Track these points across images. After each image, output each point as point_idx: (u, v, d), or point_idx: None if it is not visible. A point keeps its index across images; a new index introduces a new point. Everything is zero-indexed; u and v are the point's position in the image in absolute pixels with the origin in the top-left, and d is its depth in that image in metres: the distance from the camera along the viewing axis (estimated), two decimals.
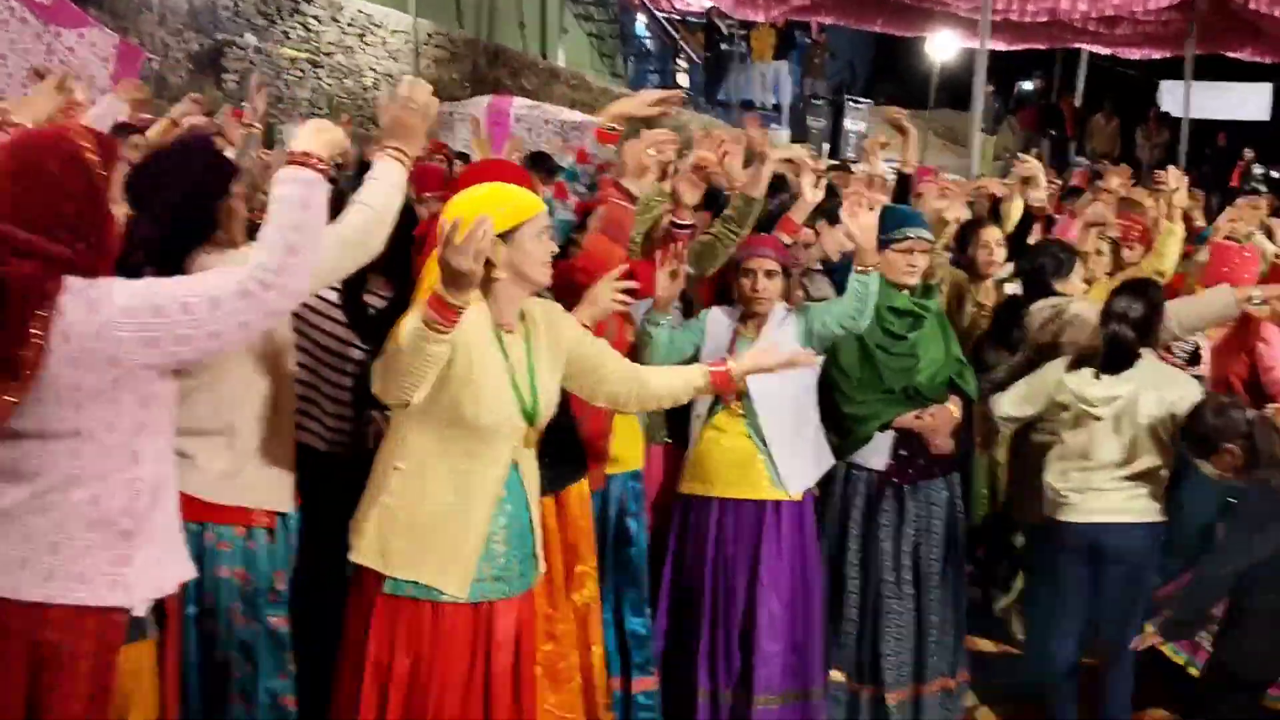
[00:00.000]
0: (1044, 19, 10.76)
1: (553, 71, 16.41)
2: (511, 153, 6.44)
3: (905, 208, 4.38)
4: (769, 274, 3.66)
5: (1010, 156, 18.03)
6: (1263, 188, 16.17)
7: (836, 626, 3.90)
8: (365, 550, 2.52)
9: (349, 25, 13.77)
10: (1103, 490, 3.66)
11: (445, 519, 2.51)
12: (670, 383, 2.89)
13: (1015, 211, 5.56)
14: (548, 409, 2.65)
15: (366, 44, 13.91)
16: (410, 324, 2.28)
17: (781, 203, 4.28)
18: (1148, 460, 3.66)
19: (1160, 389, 3.65)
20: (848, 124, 15.04)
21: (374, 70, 13.94)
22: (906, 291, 3.90)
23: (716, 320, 3.74)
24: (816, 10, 12.03)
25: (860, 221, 3.55)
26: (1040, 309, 4.19)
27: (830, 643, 3.86)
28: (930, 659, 3.90)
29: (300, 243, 2.08)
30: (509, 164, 3.48)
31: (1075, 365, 3.75)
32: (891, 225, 3.87)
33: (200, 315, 2.02)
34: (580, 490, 3.38)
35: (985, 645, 4.70)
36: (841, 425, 3.87)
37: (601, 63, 18.81)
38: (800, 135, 14.87)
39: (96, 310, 1.98)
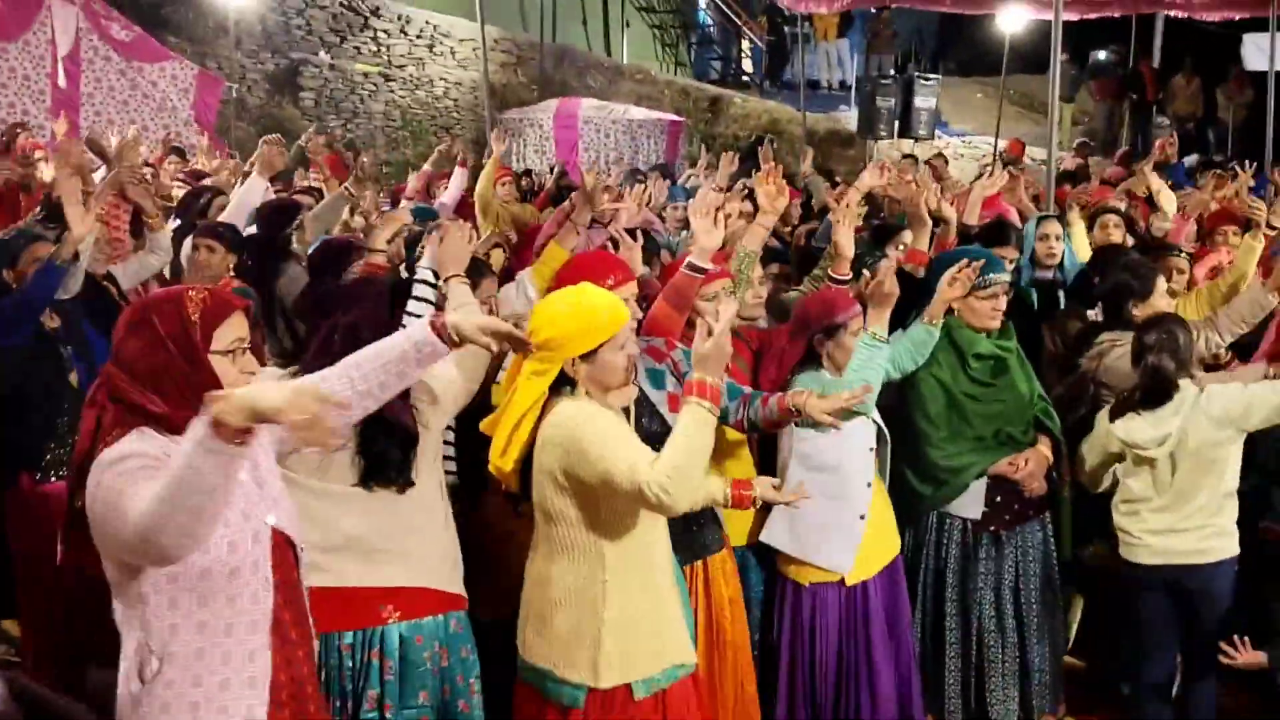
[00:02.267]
0: None
1: (617, 68, 16.46)
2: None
3: (984, 251, 4.22)
4: (854, 333, 3.67)
5: (1089, 121, 17.63)
6: None
7: (938, 677, 3.92)
8: (610, 671, 2.61)
9: (418, 37, 13.99)
10: (1176, 531, 3.62)
11: (657, 603, 2.70)
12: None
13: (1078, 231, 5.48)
14: None
15: (435, 54, 14.13)
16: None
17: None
18: (1213, 491, 3.61)
19: (1208, 412, 3.57)
20: (918, 101, 14.70)
21: (444, 80, 14.14)
22: (986, 335, 3.89)
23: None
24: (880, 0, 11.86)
25: (950, 287, 3.66)
26: (1101, 342, 4.13)
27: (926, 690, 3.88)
28: (1035, 700, 3.92)
29: (176, 502, 1.87)
30: (601, 259, 3.45)
31: (1118, 411, 3.69)
32: (980, 269, 3.81)
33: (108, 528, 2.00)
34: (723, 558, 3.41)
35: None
36: (933, 475, 3.86)
37: (665, 54, 18.80)
38: (869, 114, 14.65)
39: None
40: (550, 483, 2.60)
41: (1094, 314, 4.46)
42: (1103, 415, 3.78)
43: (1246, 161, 6.87)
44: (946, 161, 11.00)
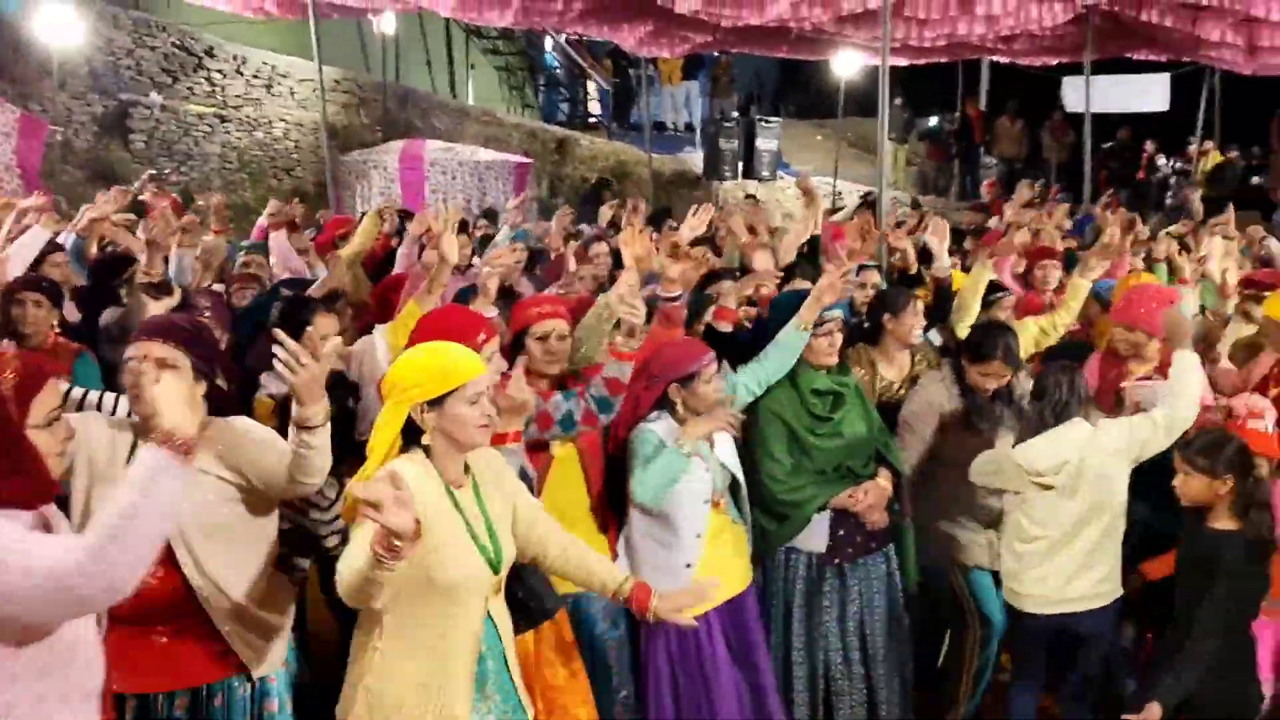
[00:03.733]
0: (943, 43, 10.97)
1: (464, 110, 16.36)
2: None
3: None
4: (708, 381, 3.65)
5: (922, 162, 18.39)
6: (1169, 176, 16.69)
7: (788, 710, 3.88)
8: None
9: (255, 77, 13.61)
10: (1068, 576, 3.67)
11: (431, 690, 2.51)
12: (591, 570, 2.88)
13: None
14: (510, 554, 2.67)
15: (274, 94, 13.76)
16: (356, 562, 2.24)
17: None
18: (1105, 529, 3.68)
19: (1103, 443, 3.68)
20: (760, 143, 15.17)
21: (284, 120, 13.77)
22: (825, 371, 3.95)
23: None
24: (720, 44, 12.11)
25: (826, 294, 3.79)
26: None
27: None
28: None
29: (127, 532, 1.85)
30: (459, 313, 3.42)
31: (1020, 439, 3.77)
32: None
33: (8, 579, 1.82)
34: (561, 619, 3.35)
35: None
36: (778, 511, 3.88)
37: (512, 96, 18.80)
38: (713, 156, 14.99)
39: None
40: None
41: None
42: (1008, 442, 3.85)
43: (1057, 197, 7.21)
44: (757, 202, 11.33)
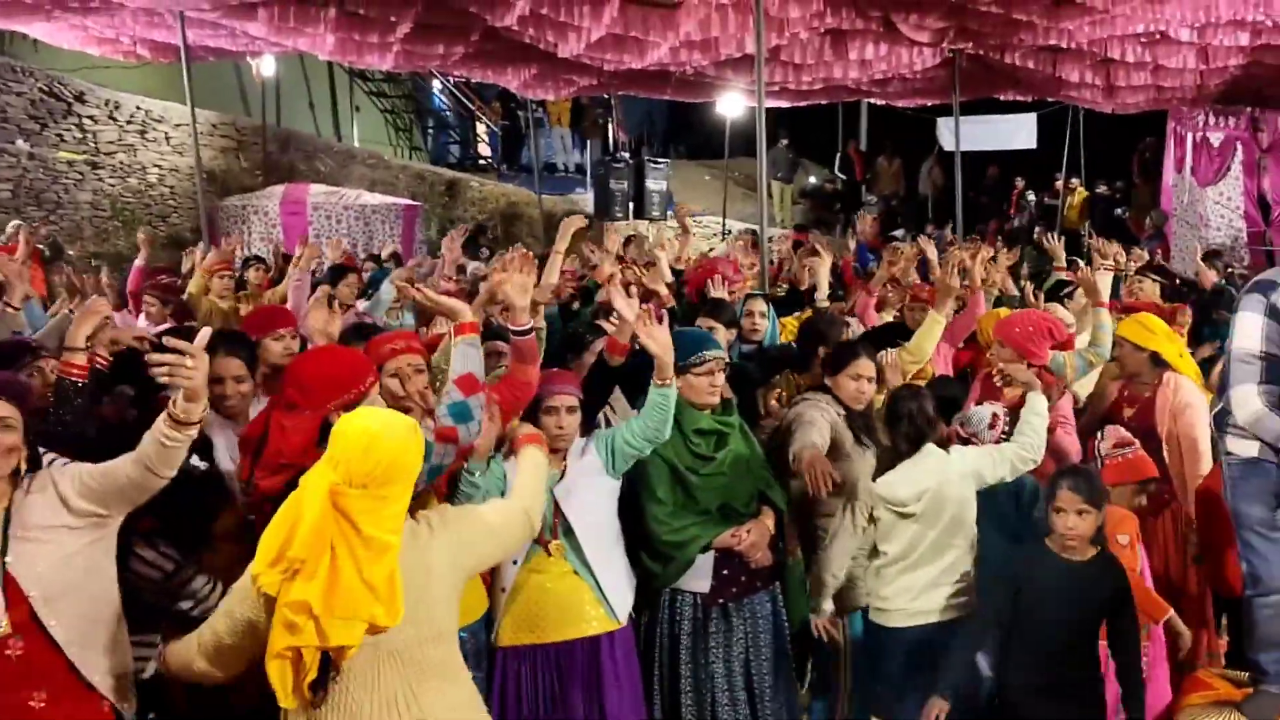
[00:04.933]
0: (820, 86, 11.25)
1: (349, 152, 16.17)
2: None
3: (698, 330, 4.45)
4: (570, 410, 3.68)
5: (807, 200, 18.80)
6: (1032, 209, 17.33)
7: None
8: None
9: (128, 122, 13.23)
10: (928, 590, 3.78)
11: None
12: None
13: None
14: None
15: (148, 140, 13.40)
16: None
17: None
18: (961, 549, 3.81)
19: (957, 469, 3.81)
20: (650, 184, 15.31)
21: (159, 167, 13.42)
22: (708, 411, 3.95)
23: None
24: (605, 87, 12.24)
25: (657, 338, 3.59)
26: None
27: None
28: None
29: None
30: (337, 355, 3.31)
31: (878, 473, 3.89)
32: (690, 349, 3.92)
33: None
34: None
35: None
36: (662, 552, 3.87)
37: (399, 138, 18.66)
38: (604, 196, 15.08)
39: None
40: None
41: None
42: (866, 476, 3.96)
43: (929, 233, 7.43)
44: (628, 241, 11.44)
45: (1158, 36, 9.73)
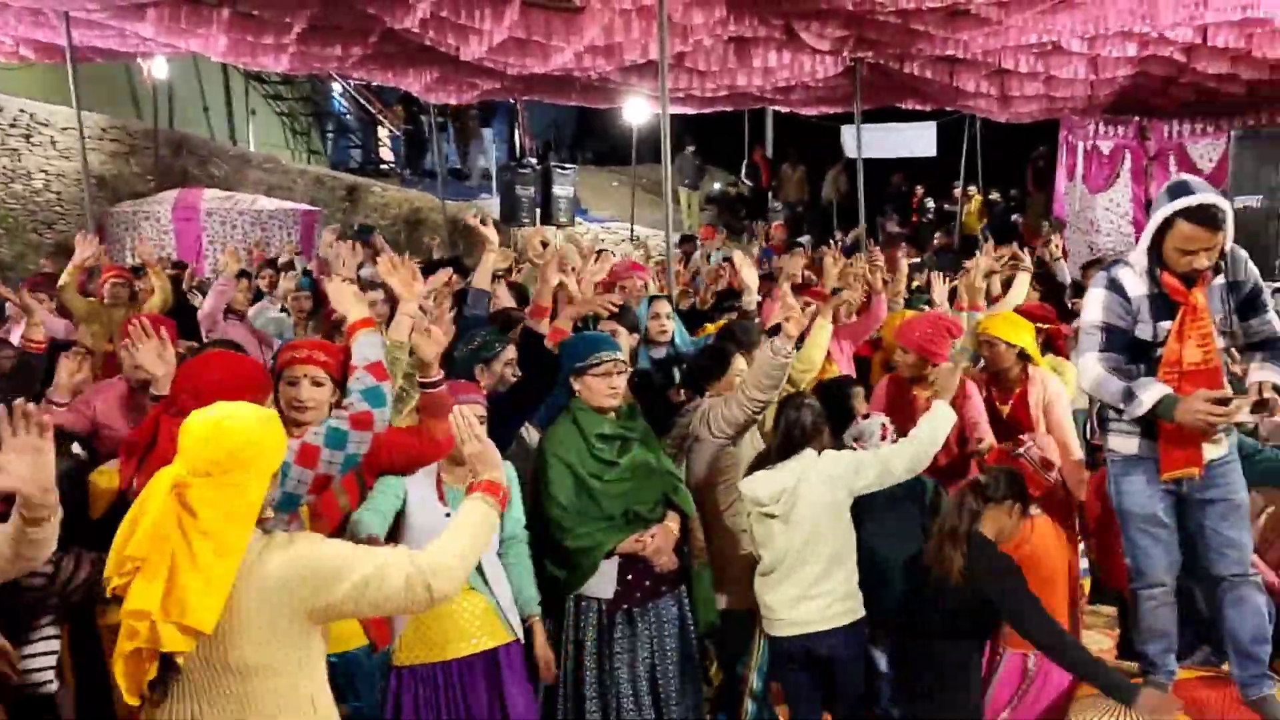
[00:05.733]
0: (725, 93, 11.31)
1: (244, 156, 15.76)
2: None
3: (596, 332, 4.43)
4: (480, 420, 3.59)
5: (714, 205, 18.92)
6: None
7: None
8: None
9: (11, 126, 12.72)
10: (804, 600, 3.79)
11: None
12: None
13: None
14: None
15: (33, 145, 12.89)
16: None
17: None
18: (830, 557, 3.80)
19: (822, 471, 3.82)
20: (557, 190, 15.24)
21: (45, 172, 12.92)
22: (612, 414, 3.92)
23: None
24: (509, 91, 12.12)
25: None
26: (686, 411, 4.38)
27: None
28: None
29: None
30: (231, 361, 3.19)
31: (750, 470, 3.91)
32: (585, 350, 3.93)
33: None
34: None
35: None
36: (566, 559, 3.83)
37: (297, 141, 18.27)
38: (510, 202, 14.96)
39: None
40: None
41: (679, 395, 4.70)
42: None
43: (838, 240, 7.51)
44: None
45: (1050, 48, 10.00)
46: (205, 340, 5.72)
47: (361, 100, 18.08)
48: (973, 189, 17.58)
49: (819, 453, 3.87)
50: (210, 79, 16.47)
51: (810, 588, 3.78)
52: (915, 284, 7.67)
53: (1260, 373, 3.44)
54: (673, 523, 3.96)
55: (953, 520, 3.61)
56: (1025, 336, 4.83)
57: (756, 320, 5.59)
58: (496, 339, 4.45)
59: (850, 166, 16.67)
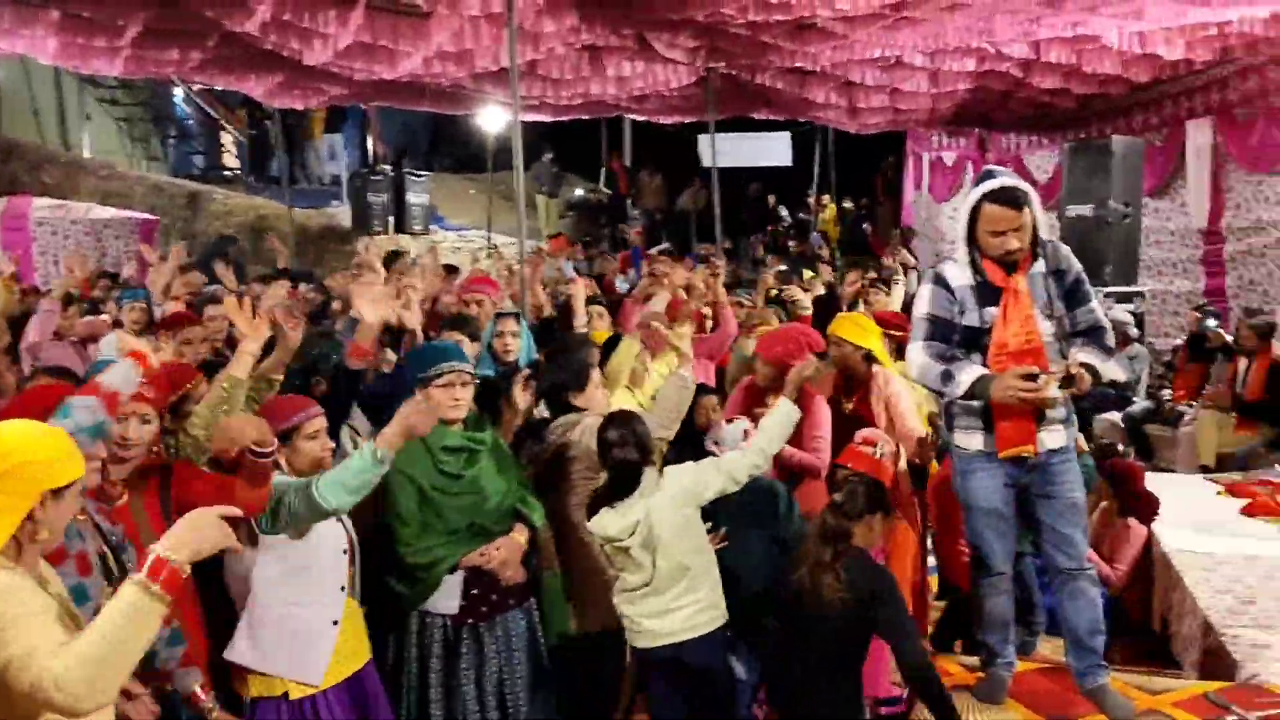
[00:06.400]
0: (580, 101, 11.28)
1: (78, 163, 15.01)
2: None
3: (441, 342, 4.34)
4: (317, 432, 3.53)
5: (573, 213, 18.89)
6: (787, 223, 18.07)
7: None
8: None
9: None
10: (669, 611, 3.75)
11: None
12: None
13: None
14: None
15: None
16: None
17: None
18: (694, 569, 3.77)
19: (667, 493, 3.77)
20: (410, 197, 14.97)
21: None
22: (459, 426, 3.84)
23: None
24: (357, 97, 11.84)
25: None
26: (556, 426, 4.33)
27: None
28: None
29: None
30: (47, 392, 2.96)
31: (592, 509, 3.82)
32: (429, 361, 3.85)
33: None
34: None
35: None
36: (408, 574, 3.75)
37: (135, 148, 17.49)
38: (362, 210, 14.62)
39: None
40: None
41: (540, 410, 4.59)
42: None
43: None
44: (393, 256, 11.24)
45: (894, 62, 10.30)
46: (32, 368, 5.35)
47: (204, 105, 17.42)
48: (827, 198, 18.02)
49: (659, 472, 3.84)
50: (41, 81, 15.63)
51: (674, 600, 3.75)
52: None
53: (1077, 354, 3.59)
54: (520, 535, 3.90)
55: (817, 551, 3.60)
56: (873, 339, 4.99)
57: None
58: (333, 350, 4.34)
59: (707, 175, 16.94)
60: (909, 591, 4.22)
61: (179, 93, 17.78)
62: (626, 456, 3.72)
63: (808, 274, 9.11)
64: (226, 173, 17.97)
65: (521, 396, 4.25)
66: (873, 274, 8.74)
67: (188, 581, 2.20)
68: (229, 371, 3.63)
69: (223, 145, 17.96)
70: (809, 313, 7.11)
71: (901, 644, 3.55)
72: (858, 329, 5.05)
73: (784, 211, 18.22)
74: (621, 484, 3.73)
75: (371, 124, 17.10)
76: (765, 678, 3.99)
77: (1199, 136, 10.58)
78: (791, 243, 16.35)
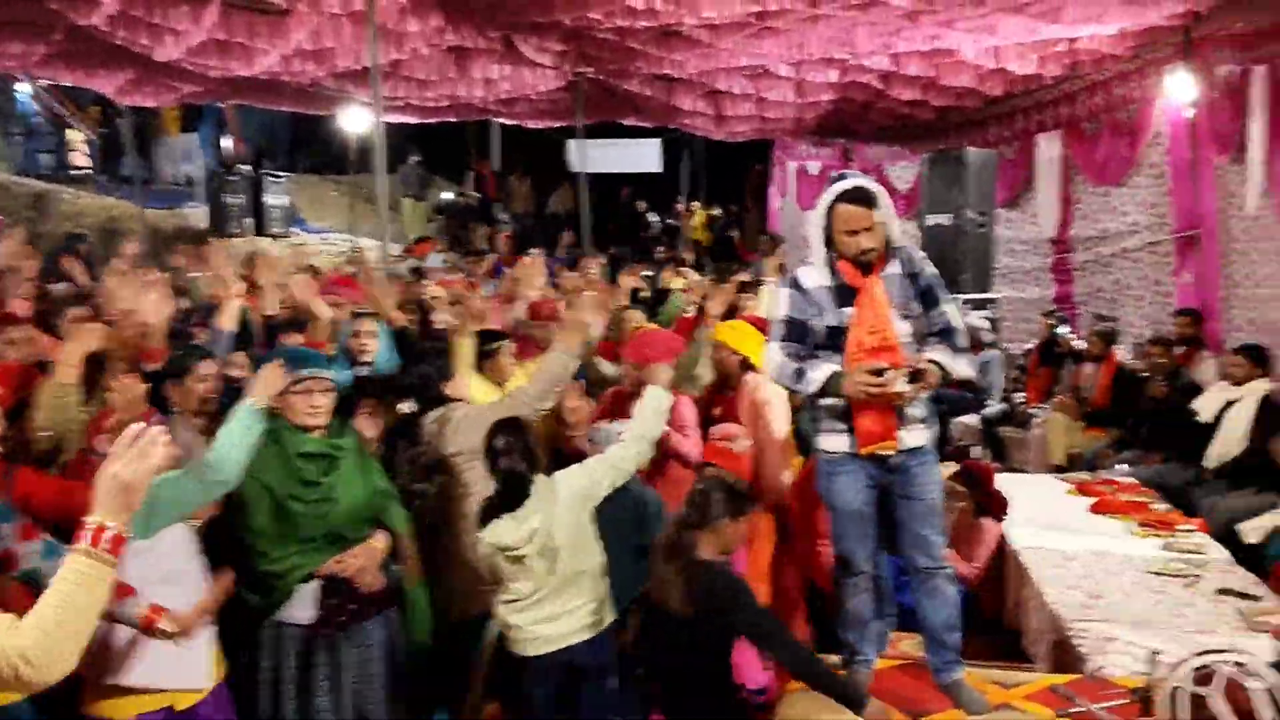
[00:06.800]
0: (446, 103, 11.13)
1: None
2: None
3: (301, 348, 4.24)
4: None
5: (442, 216, 18.64)
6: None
7: None
8: None
9: None
10: (564, 614, 3.74)
11: None
12: None
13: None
14: None
15: None
16: None
17: None
18: (589, 571, 3.79)
19: (561, 497, 3.78)
20: (269, 199, 14.58)
21: None
22: (319, 433, 3.75)
23: None
24: (214, 95, 11.44)
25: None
26: (430, 421, 4.29)
27: None
28: None
29: None
30: None
31: (484, 519, 3.78)
32: (286, 366, 3.72)
33: None
34: None
35: None
36: (261, 583, 3.65)
37: None
38: (219, 211, 14.14)
39: None
40: None
41: (407, 406, 4.51)
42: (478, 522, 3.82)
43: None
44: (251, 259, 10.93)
45: (760, 71, 10.45)
46: None
47: (51, 101, 16.56)
48: (696, 204, 18.19)
49: (550, 478, 3.83)
50: None
51: (568, 604, 3.75)
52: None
53: (928, 352, 3.70)
54: (378, 542, 3.81)
55: (662, 568, 3.61)
56: (751, 345, 4.99)
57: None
58: (192, 355, 4.18)
59: (576, 180, 16.93)
60: (768, 585, 4.28)
61: (24, 89, 16.86)
62: (514, 466, 3.72)
63: (678, 280, 9.13)
64: (76, 172, 17.13)
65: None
66: (743, 278, 8.84)
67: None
68: (56, 377, 3.52)
69: (71, 144, 17.08)
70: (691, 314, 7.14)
71: (766, 647, 3.58)
72: (737, 335, 5.09)
73: (654, 217, 18.33)
74: (512, 493, 3.72)
75: (230, 123, 16.53)
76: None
77: (1049, 149, 10.99)
78: (660, 248, 16.44)
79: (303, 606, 3.67)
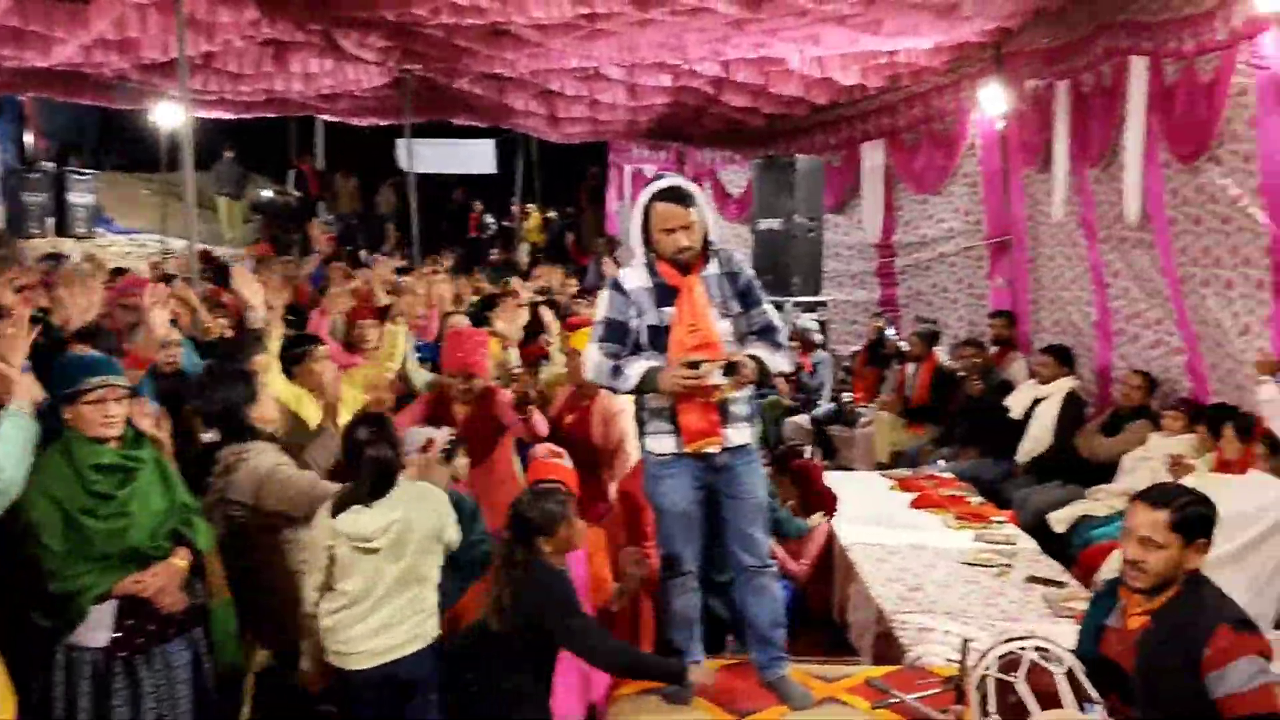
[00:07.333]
0: (261, 99, 10.70)
1: None
2: None
3: (93, 355, 4.03)
4: None
5: (261, 215, 17.97)
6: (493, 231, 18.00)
7: None
8: None
9: None
10: (390, 626, 3.65)
11: None
12: None
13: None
14: None
15: None
16: None
17: None
18: (425, 578, 3.72)
19: (426, 500, 3.74)
20: (73, 198, 13.80)
21: None
22: (114, 444, 3.55)
23: None
24: (10, 87, 10.68)
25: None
26: (226, 454, 4.10)
27: None
28: None
29: None
30: None
31: (341, 506, 3.68)
32: (74, 376, 3.56)
33: None
34: None
35: None
36: (52, 604, 3.44)
37: None
38: (17, 211, 13.26)
39: None
40: None
41: (210, 435, 4.28)
42: (322, 512, 3.71)
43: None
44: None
45: (592, 73, 10.42)
46: None
47: None
48: (531, 206, 18.07)
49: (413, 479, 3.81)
50: None
51: (396, 613, 3.66)
52: None
53: (747, 348, 3.75)
54: (180, 559, 3.61)
55: (499, 590, 3.60)
56: None
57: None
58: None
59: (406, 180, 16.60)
60: (597, 588, 4.25)
61: None
62: (381, 454, 3.66)
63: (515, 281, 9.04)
64: None
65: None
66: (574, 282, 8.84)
67: None
68: None
69: None
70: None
71: (579, 649, 3.59)
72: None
73: (489, 219, 18.13)
74: (379, 482, 3.66)
75: (29, 117, 15.52)
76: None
77: (873, 157, 11.32)
78: (494, 250, 16.28)
79: (98, 629, 3.47)
